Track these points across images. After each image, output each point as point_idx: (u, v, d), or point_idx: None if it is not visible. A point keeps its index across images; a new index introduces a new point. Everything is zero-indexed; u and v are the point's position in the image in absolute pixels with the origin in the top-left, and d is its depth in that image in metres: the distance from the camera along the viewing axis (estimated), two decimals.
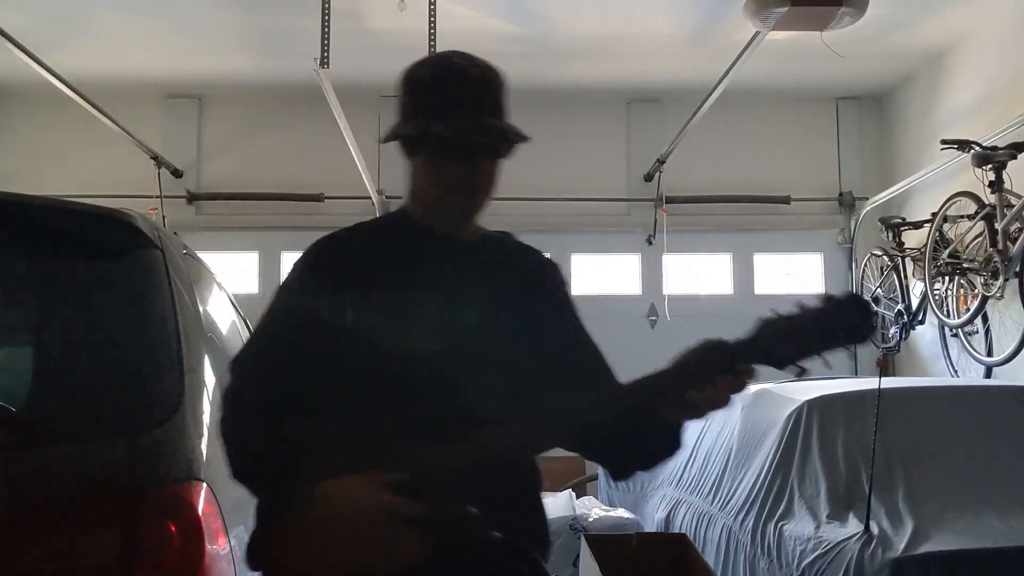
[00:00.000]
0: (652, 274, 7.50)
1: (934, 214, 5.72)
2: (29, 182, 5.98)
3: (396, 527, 1.40)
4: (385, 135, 1.64)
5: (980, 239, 5.22)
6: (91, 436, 1.83)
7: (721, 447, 4.31)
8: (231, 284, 3.54)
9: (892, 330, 6.34)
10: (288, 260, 7.29)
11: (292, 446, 1.50)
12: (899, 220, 6.43)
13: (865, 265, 6.79)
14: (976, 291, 5.32)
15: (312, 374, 1.56)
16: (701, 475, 4.41)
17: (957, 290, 5.70)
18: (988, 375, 5.53)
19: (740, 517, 3.79)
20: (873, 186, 7.35)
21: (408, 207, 1.70)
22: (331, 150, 6.58)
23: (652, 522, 4.81)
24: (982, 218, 5.12)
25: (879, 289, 6.49)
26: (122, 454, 1.79)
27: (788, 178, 7.48)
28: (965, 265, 5.34)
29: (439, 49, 4.84)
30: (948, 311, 5.73)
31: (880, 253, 6.49)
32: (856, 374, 5.25)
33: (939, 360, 6.20)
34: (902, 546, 2.98)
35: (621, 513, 4.96)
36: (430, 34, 4.94)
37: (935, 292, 5.73)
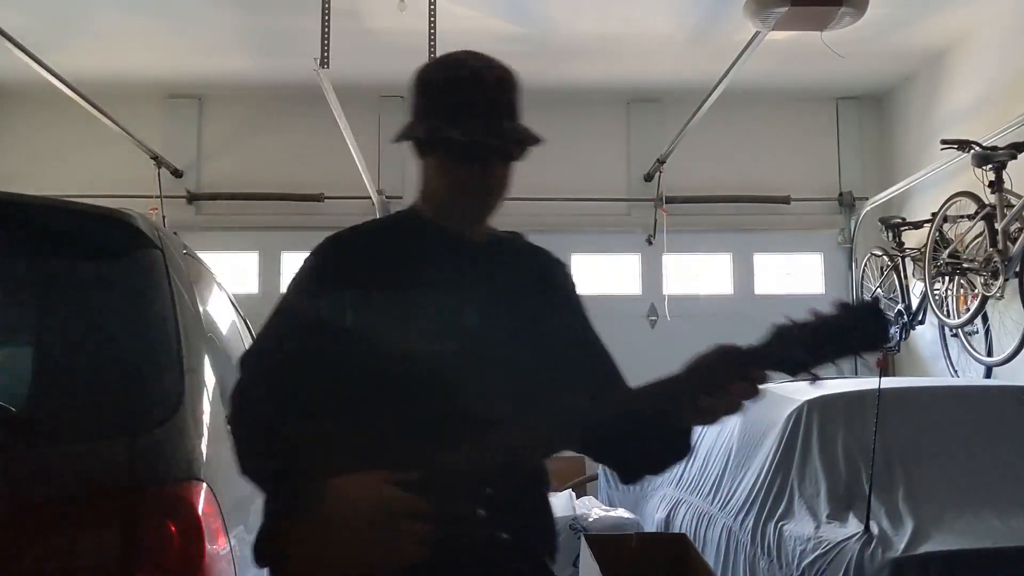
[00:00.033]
0: (652, 274, 7.50)
1: (934, 214, 5.72)
2: (29, 182, 5.99)
3: (403, 524, 1.40)
4: (397, 135, 1.63)
5: (980, 239, 5.22)
6: (91, 436, 1.83)
7: (721, 447, 4.31)
8: (231, 284, 3.54)
9: (892, 330, 6.33)
10: (288, 260, 7.35)
11: (302, 444, 1.50)
12: (899, 220, 6.43)
13: (865, 265, 6.79)
14: (976, 291, 5.33)
15: (319, 372, 1.56)
16: (701, 475, 4.41)
17: (957, 290, 5.70)
18: (988, 375, 5.53)
19: (740, 517, 3.79)
20: (873, 186, 7.35)
21: (418, 206, 1.69)
22: (331, 150, 6.58)
23: (652, 522, 4.81)
24: (982, 218, 5.12)
25: (879, 289, 6.49)
26: (122, 454, 1.79)
27: (788, 178, 7.48)
28: (965, 265, 5.34)
29: (439, 49, 4.86)
30: (948, 311, 5.74)
31: (880, 253, 6.49)
32: (856, 374, 5.26)
33: (939, 360, 6.20)
34: (902, 546, 2.98)
35: (621, 513, 4.96)
36: (430, 34, 4.94)
37: (935, 292, 5.74)
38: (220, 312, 2.71)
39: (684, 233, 7.37)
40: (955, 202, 5.49)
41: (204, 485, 1.83)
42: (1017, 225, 4.95)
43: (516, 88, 1.62)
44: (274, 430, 1.52)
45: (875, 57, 6.59)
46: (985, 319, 5.56)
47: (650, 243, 7.42)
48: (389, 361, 1.55)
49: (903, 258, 6.23)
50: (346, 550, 1.42)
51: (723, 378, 1.43)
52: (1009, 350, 5.15)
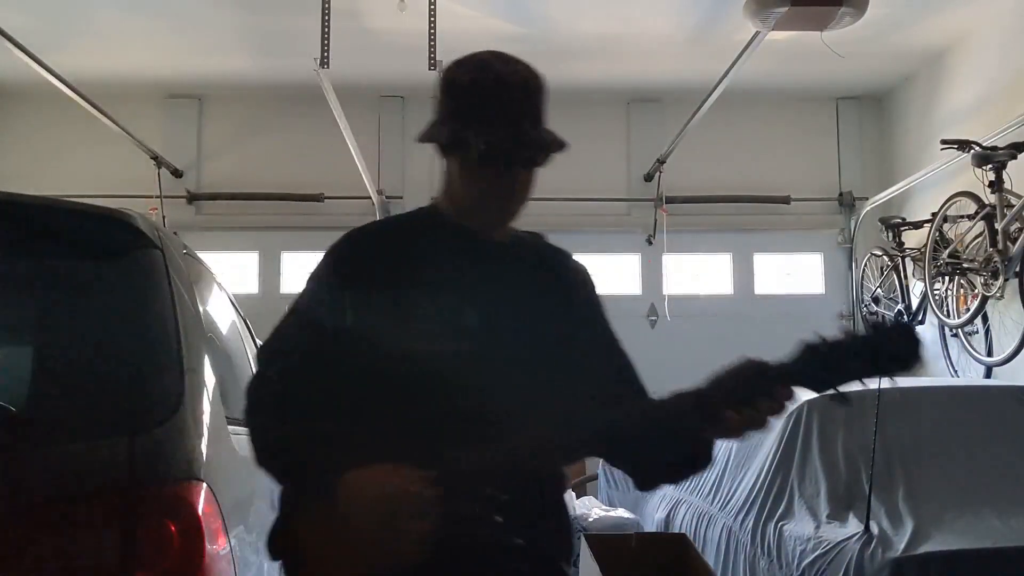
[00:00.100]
0: (652, 274, 7.50)
1: (934, 214, 5.72)
2: (29, 182, 5.98)
3: (414, 517, 1.40)
4: (420, 135, 1.61)
5: (980, 239, 5.22)
6: (91, 436, 1.83)
7: (721, 447, 4.31)
8: (231, 284, 3.54)
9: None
10: (288, 260, 7.36)
11: (318, 439, 1.50)
12: (899, 220, 6.43)
13: (865, 265, 6.79)
14: (976, 291, 5.33)
15: (335, 368, 1.56)
16: (701, 475, 4.41)
17: (957, 290, 5.70)
18: (988, 375, 5.54)
19: (740, 517, 3.79)
20: (873, 186, 7.34)
21: (440, 204, 1.68)
22: (331, 150, 6.59)
23: (652, 522, 4.81)
24: (982, 218, 5.12)
25: (879, 289, 6.50)
26: (122, 454, 1.79)
27: (788, 178, 7.48)
28: (965, 265, 5.34)
29: (438, 49, 4.86)
30: (948, 311, 5.74)
31: (880, 253, 6.49)
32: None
33: (939, 360, 6.19)
34: (902, 546, 2.98)
35: (621, 513, 4.96)
36: (430, 34, 4.93)
37: (935, 292, 5.74)
38: (220, 312, 2.71)
39: (684, 233, 7.36)
40: (955, 202, 5.49)
41: (204, 485, 1.83)
42: (1017, 225, 4.95)
43: (541, 91, 1.60)
44: (291, 424, 1.52)
45: (875, 57, 6.59)
46: (985, 319, 5.56)
47: (650, 243, 7.42)
48: (405, 359, 1.54)
49: (903, 258, 6.23)
50: (358, 544, 1.42)
51: (749, 394, 1.42)
52: (1009, 350, 5.15)
